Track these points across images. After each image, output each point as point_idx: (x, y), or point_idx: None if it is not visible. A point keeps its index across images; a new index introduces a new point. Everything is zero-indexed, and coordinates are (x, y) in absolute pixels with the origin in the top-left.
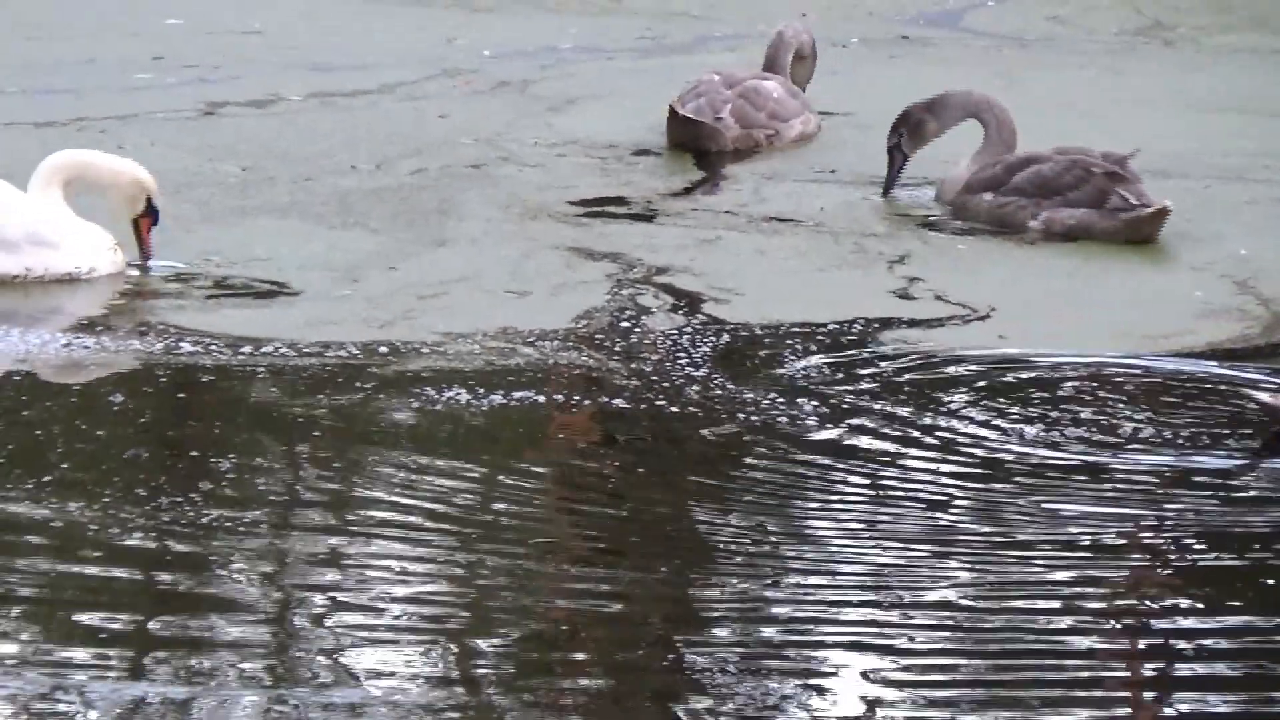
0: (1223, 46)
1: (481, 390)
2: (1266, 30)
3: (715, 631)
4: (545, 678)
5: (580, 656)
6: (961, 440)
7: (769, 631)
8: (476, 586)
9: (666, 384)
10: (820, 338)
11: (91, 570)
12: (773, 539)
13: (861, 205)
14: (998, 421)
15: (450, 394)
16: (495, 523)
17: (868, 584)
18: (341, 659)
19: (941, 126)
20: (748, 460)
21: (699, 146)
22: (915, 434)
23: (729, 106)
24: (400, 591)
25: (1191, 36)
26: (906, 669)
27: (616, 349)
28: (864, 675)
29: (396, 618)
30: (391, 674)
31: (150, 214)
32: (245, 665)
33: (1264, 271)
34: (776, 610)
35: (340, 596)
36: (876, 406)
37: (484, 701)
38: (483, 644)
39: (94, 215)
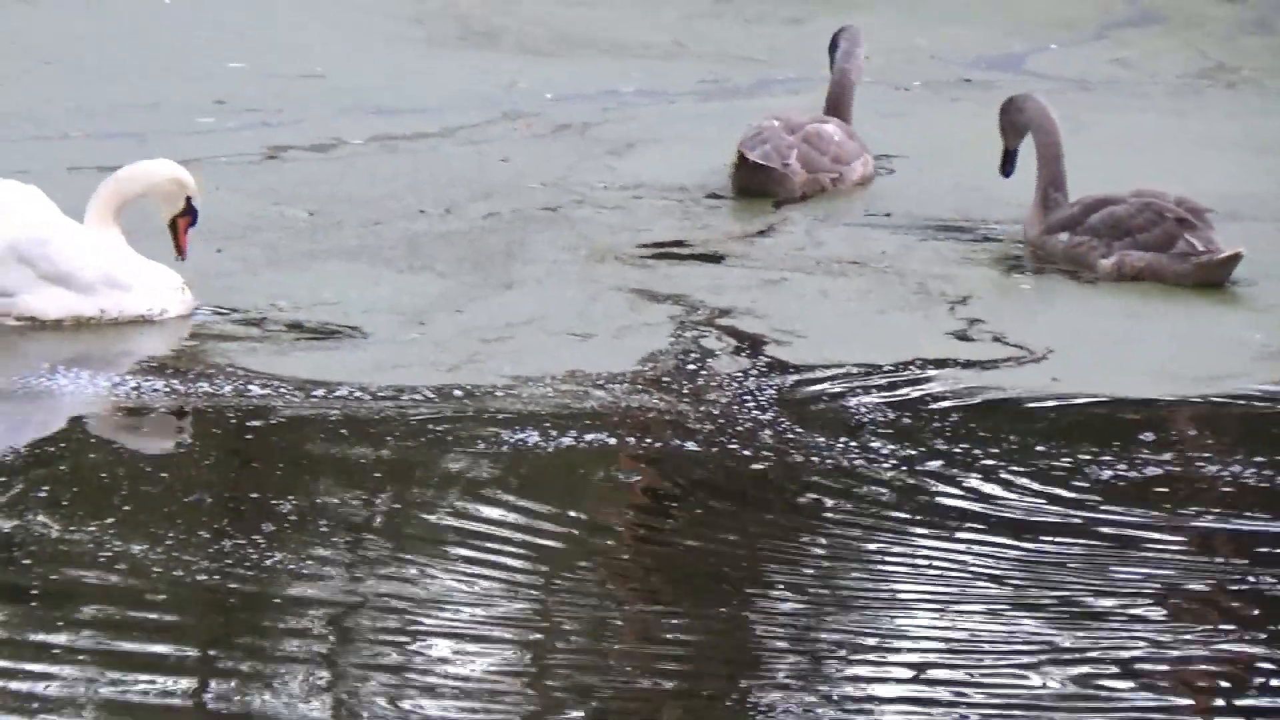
0: None
1: (552, 433)
2: None
3: (782, 677)
4: None
5: (636, 692)
6: (1026, 487)
7: (839, 679)
8: (547, 632)
9: (738, 427)
10: (882, 379)
11: (153, 613)
12: (843, 587)
13: (921, 247)
14: (1061, 471)
15: (519, 437)
16: (568, 567)
17: (940, 640)
18: (405, 705)
19: (1022, 126)
20: (822, 503)
21: (766, 192)
22: (979, 482)
23: (794, 152)
24: (469, 636)
25: (1255, 79)
26: None
27: (684, 391)
28: None
29: (464, 664)
30: (449, 716)
31: (189, 214)
32: (303, 706)
33: None
34: (846, 659)
35: (406, 642)
36: (943, 450)
37: None
38: (554, 692)
39: (159, 255)
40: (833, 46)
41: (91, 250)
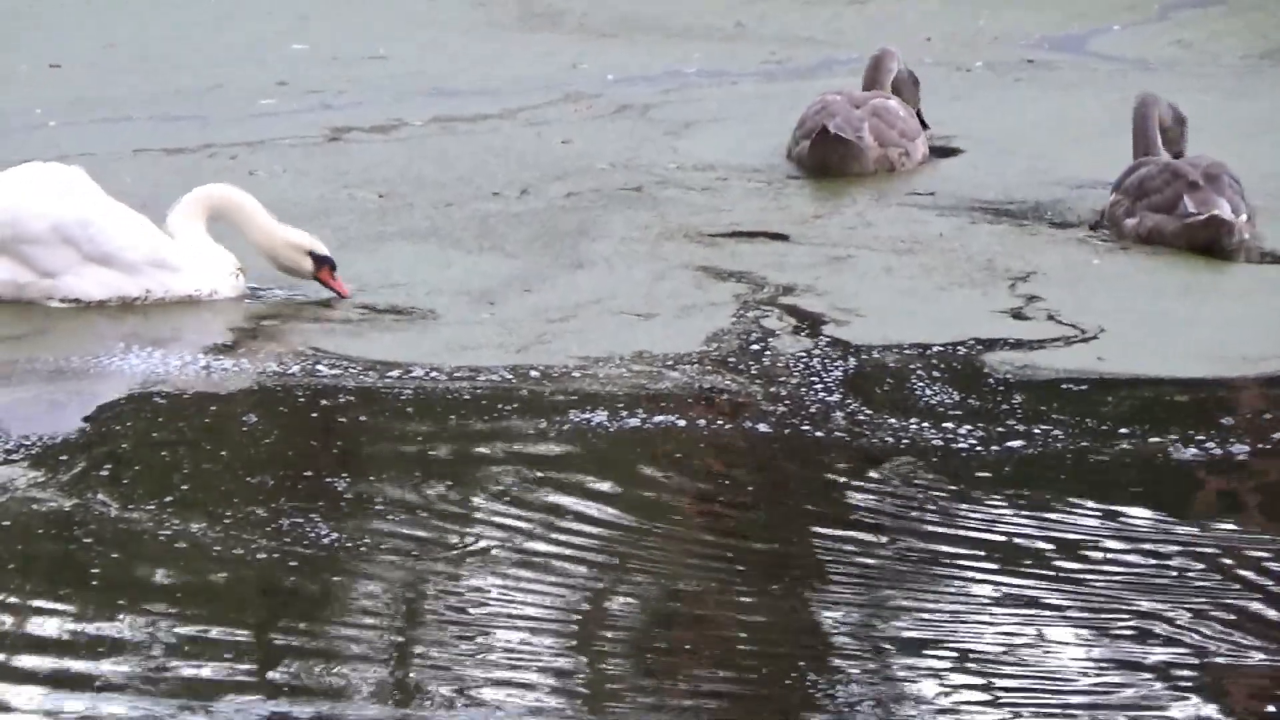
0: None
1: (620, 413)
2: None
3: (840, 661)
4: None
5: (702, 679)
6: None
7: (896, 664)
8: (609, 615)
9: (809, 407)
10: (945, 358)
11: (214, 594)
12: (911, 567)
13: (986, 227)
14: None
15: (585, 417)
16: (633, 548)
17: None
18: (464, 683)
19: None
20: (890, 485)
21: (842, 167)
22: (1054, 466)
23: (865, 125)
24: (530, 618)
25: None
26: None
27: (752, 371)
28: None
29: (524, 646)
30: (513, 699)
31: (324, 263)
32: (365, 687)
33: None
34: (909, 646)
35: (467, 623)
36: (1021, 430)
37: None
38: (616, 675)
39: (226, 239)
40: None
41: (136, 230)
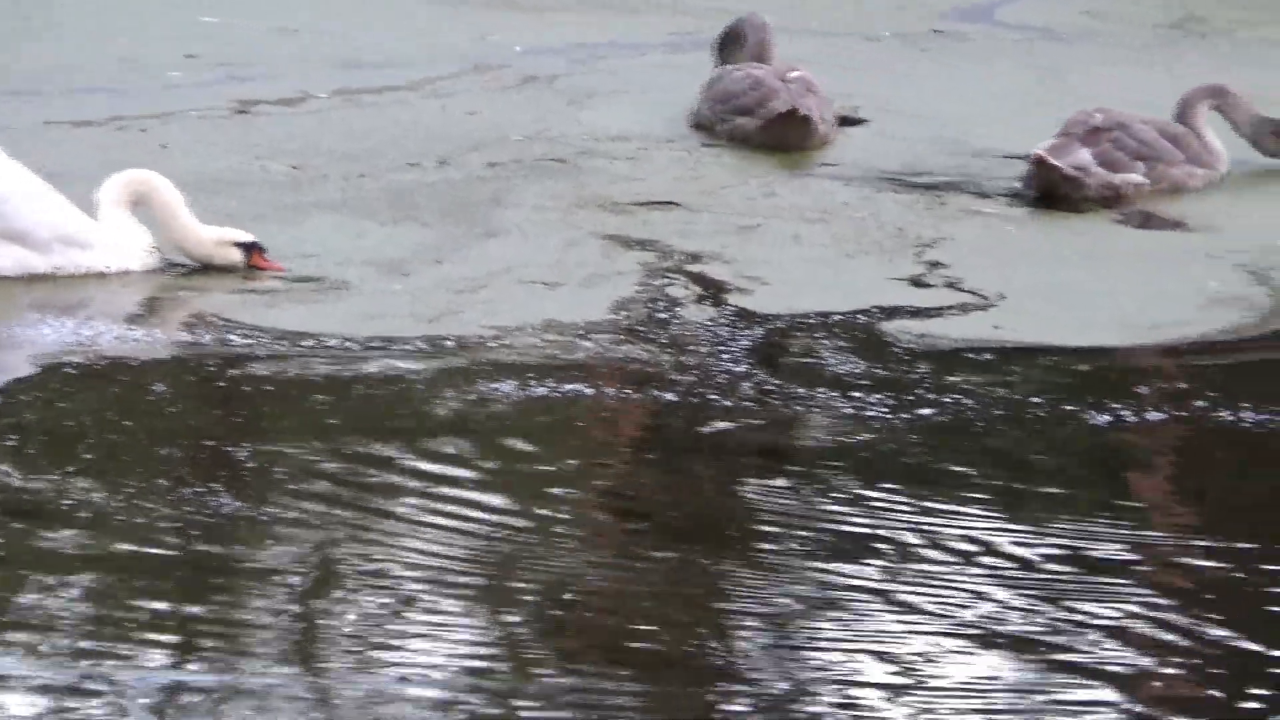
0: (1257, 40)
1: (530, 382)
2: None
3: (742, 632)
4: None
5: (604, 647)
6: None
7: (798, 634)
8: (511, 578)
9: (717, 376)
10: (852, 327)
11: (118, 556)
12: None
13: (892, 197)
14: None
15: (495, 386)
16: (541, 516)
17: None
18: (367, 649)
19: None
20: (811, 456)
21: (797, 145)
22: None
23: (813, 103)
24: (433, 580)
25: (1227, 30)
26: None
27: (661, 340)
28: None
29: (426, 608)
30: (419, 662)
31: (251, 248)
32: (268, 654)
33: None
34: (809, 616)
35: (373, 587)
36: (930, 400)
37: (510, 687)
38: (523, 640)
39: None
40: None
41: (49, 207)
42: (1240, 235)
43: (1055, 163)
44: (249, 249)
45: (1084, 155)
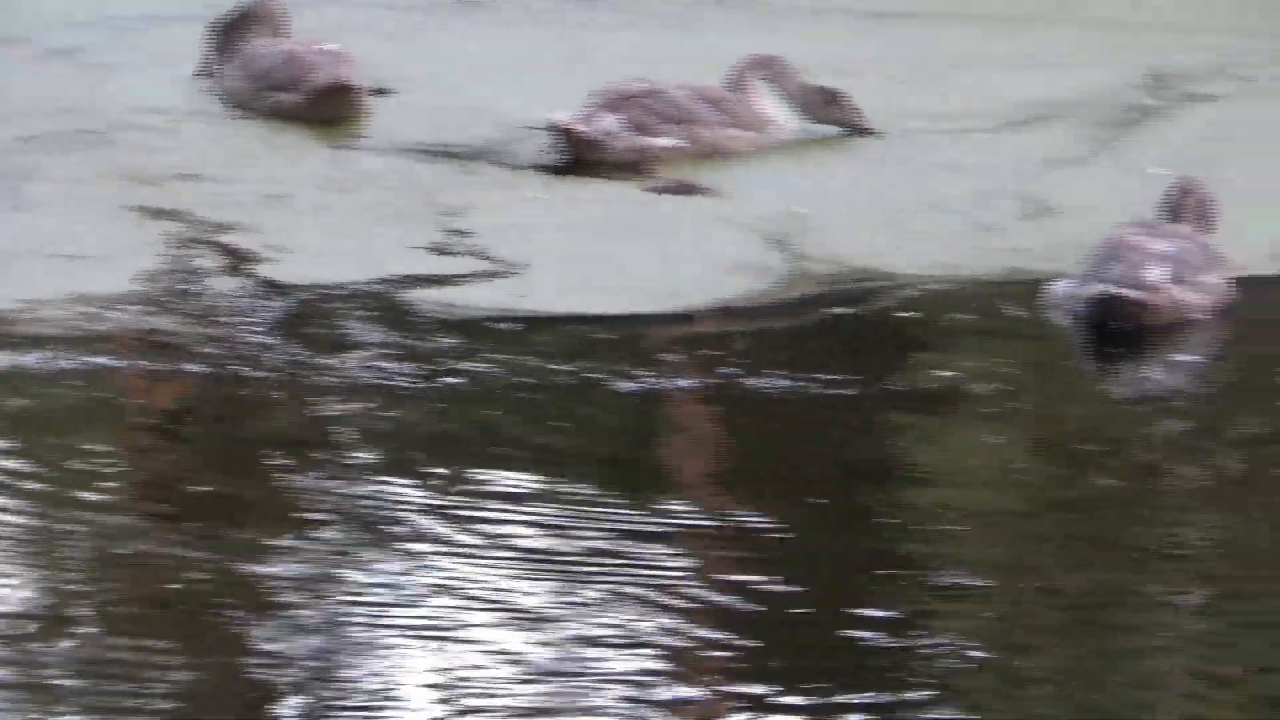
0: (787, 8)
1: (59, 355)
2: None
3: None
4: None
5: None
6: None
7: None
8: (44, 556)
9: (243, 347)
10: (390, 298)
11: None
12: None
13: (415, 166)
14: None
15: (20, 360)
16: (73, 490)
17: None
18: None
19: None
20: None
21: (339, 115)
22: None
23: (344, 72)
24: None
25: None
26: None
27: (190, 311)
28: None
29: None
30: None
31: None
32: None
33: (812, 229)
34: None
35: None
36: (457, 368)
37: None
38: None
39: None
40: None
41: None
42: (766, 203)
43: (577, 128)
44: None
45: (611, 120)
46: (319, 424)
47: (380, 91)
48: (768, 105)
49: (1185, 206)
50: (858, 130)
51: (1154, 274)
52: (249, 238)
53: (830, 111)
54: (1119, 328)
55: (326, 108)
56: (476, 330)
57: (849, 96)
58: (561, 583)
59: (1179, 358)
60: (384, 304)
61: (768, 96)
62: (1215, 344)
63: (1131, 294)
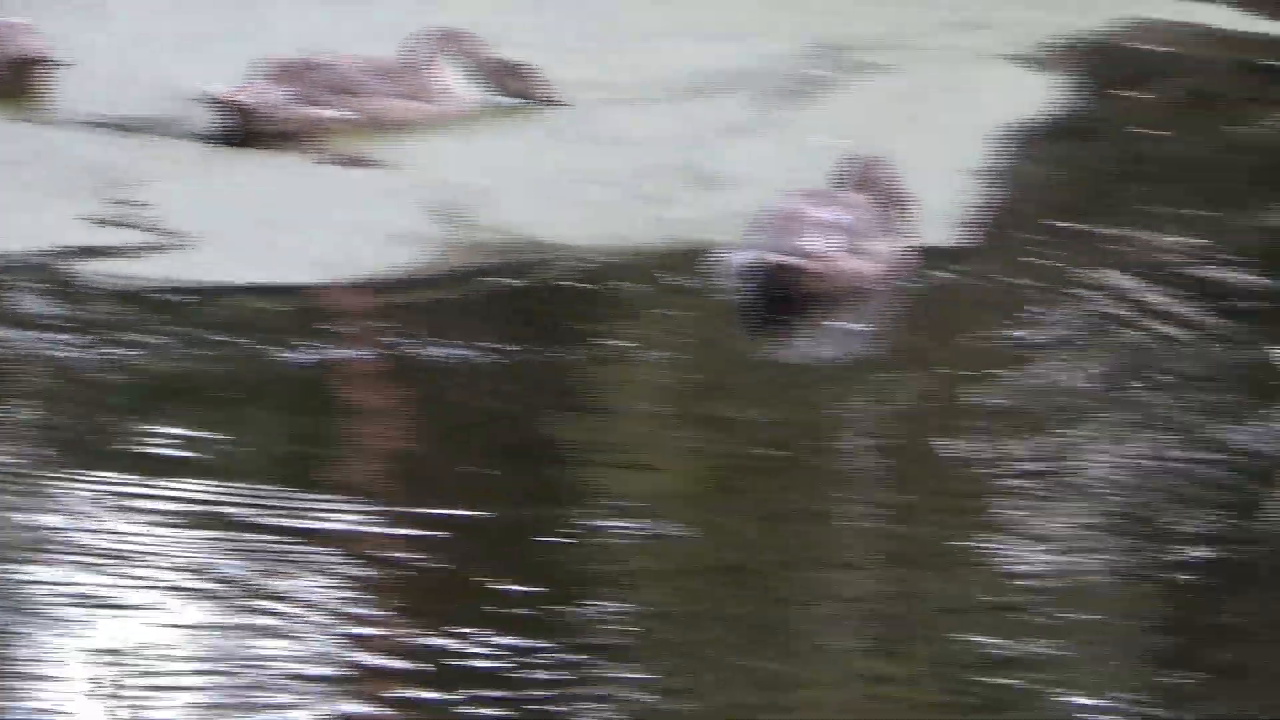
0: None
1: None
2: None
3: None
4: None
5: None
6: None
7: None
8: None
9: None
10: (61, 271)
11: None
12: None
13: (89, 138)
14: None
15: None
16: None
17: None
18: None
19: None
20: None
21: (22, 88)
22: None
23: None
24: None
25: None
26: None
27: None
28: None
29: None
30: None
31: None
32: None
33: (482, 200)
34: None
35: None
36: (130, 340)
37: None
38: None
39: None
40: None
41: None
42: (431, 173)
43: (238, 99)
44: None
45: (275, 92)
46: None
47: (58, 64)
48: (447, 77)
49: (871, 184)
50: (544, 103)
51: (816, 242)
52: None
53: (514, 84)
54: (785, 295)
55: (11, 81)
56: (150, 302)
57: (534, 69)
58: (219, 555)
59: (844, 326)
60: (56, 276)
61: (449, 69)
62: (883, 313)
63: (791, 261)
